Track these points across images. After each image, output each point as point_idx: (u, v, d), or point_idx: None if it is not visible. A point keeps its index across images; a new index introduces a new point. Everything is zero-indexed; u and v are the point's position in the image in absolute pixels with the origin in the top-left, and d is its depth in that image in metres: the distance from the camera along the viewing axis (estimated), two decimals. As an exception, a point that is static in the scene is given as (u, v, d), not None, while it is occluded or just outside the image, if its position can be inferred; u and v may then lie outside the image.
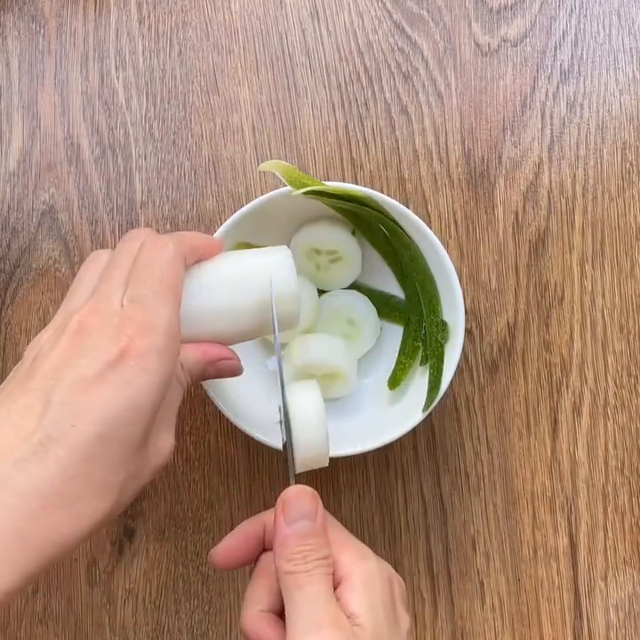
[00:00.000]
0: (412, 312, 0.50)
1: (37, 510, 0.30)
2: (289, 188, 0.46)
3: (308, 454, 0.40)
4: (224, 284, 0.40)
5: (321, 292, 0.51)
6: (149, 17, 0.56)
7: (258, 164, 0.55)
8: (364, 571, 0.36)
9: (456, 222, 0.54)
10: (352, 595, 0.35)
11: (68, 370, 0.32)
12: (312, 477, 0.53)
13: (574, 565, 0.52)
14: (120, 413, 0.32)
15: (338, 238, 0.49)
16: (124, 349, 0.33)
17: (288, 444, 0.40)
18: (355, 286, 0.52)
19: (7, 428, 0.31)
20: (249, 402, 0.49)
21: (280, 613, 0.37)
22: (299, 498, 0.37)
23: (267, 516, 0.40)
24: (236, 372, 0.42)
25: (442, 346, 0.47)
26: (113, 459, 0.32)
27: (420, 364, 0.49)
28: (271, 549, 0.38)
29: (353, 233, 0.50)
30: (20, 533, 0.30)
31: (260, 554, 0.40)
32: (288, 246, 0.50)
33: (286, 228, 0.50)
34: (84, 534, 0.32)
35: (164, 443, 0.36)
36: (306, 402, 0.40)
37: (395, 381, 0.50)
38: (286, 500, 0.37)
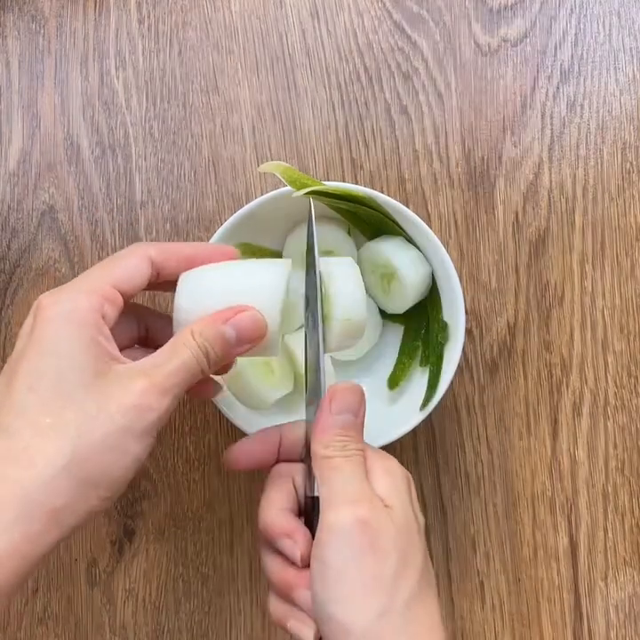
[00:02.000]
0: (412, 312, 0.50)
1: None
2: (289, 188, 0.45)
3: (347, 321, 0.41)
4: (213, 296, 0.39)
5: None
6: (149, 17, 0.56)
7: (258, 164, 0.55)
8: (387, 464, 0.38)
9: (456, 222, 0.54)
10: (379, 482, 0.37)
11: None
12: (312, 477, 0.53)
13: (574, 566, 0.52)
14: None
15: (333, 238, 0.49)
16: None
17: (318, 323, 0.40)
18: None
19: None
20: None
21: (297, 515, 0.39)
22: (348, 391, 0.38)
23: (285, 427, 0.41)
24: (258, 324, 0.38)
25: (442, 346, 0.47)
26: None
27: (420, 365, 0.49)
28: (286, 460, 0.40)
29: (348, 232, 0.50)
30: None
31: (275, 463, 0.41)
32: (285, 246, 0.50)
33: (284, 228, 0.50)
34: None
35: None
36: (345, 273, 0.43)
37: (394, 381, 0.50)
38: (336, 391, 0.38)
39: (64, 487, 0.32)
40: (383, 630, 0.33)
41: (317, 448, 0.37)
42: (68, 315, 0.34)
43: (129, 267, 0.37)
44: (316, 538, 0.36)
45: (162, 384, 0.34)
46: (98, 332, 0.34)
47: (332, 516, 0.35)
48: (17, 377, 0.34)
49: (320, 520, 0.36)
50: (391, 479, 0.37)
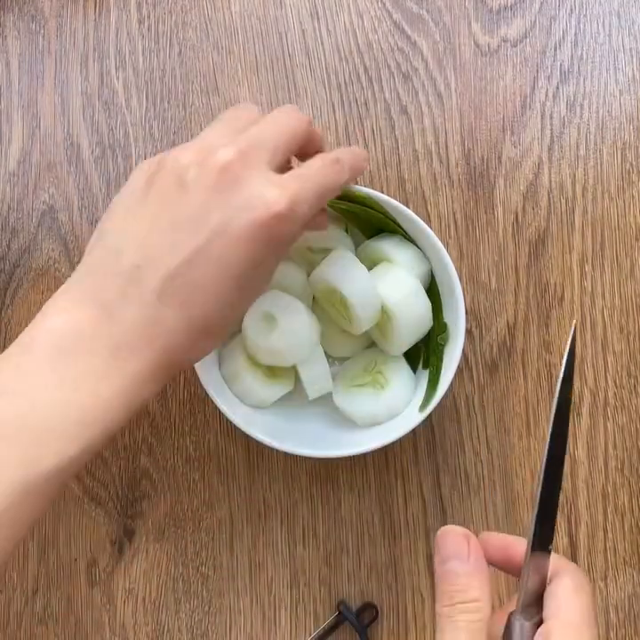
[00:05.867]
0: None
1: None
2: None
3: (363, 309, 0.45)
4: None
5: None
6: (149, 17, 0.56)
7: (258, 164, 0.55)
8: (579, 580, 0.33)
9: (456, 222, 0.54)
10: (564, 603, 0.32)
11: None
12: (312, 477, 0.53)
13: (574, 565, 0.52)
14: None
15: (331, 236, 0.49)
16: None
17: None
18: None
19: None
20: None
21: None
22: (446, 537, 0.34)
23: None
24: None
25: (442, 347, 0.47)
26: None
27: (422, 368, 0.49)
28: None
29: (345, 230, 0.50)
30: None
31: None
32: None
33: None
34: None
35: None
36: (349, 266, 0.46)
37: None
38: (437, 540, 0.34)
39: None
40: None
41: (438, 605, 0.33)
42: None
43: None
44: None
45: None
46: None
47: None
48: None
49: None
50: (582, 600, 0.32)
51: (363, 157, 0.43)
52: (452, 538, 0.34)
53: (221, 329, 0.38)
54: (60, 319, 0.35)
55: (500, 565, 0.36)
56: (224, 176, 0.35)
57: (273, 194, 0.35)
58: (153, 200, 0.36)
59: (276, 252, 0.38)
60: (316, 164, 0.38)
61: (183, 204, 0.35)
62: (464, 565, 0.33)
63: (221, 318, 0.37)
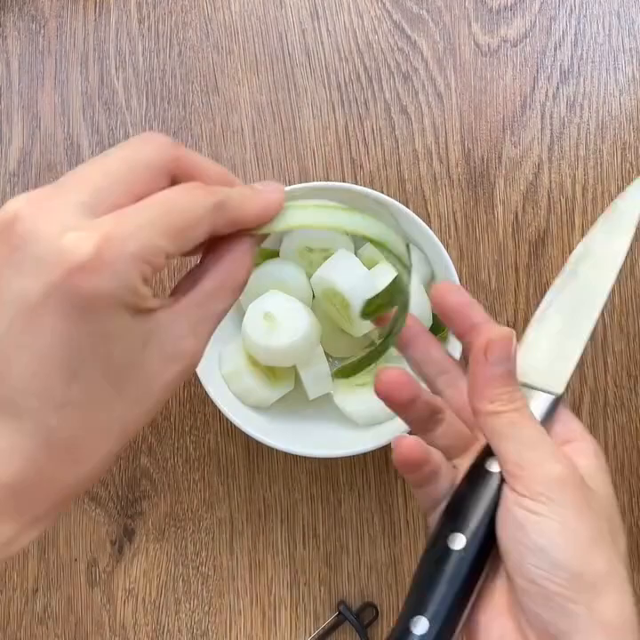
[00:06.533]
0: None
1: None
2: (289, 188, 0.45)
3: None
4: None
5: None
6: (149, 17, 0.56)
7: (258, 164, 0.55)
8: (592, 447, 0.33)
9: (456, 222, 0.54)
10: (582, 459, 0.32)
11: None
12: (312, 477, 0.53)
13: None
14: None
15: (330, 235, 0.49)
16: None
17: None
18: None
19: None
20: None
21: None
22: (504, 341, 0.34)
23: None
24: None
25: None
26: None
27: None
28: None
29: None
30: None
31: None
32: (281, 245, 0.50)
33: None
34: (90, 475, 0.27)
35: (179, 347, 0.27)
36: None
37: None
38: (492, 342, 0.33)
39: None
40: (612, 577, 0.30)
41: (482, 405, 0.33)
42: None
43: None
44: (516, 500, 0.31)
45: None
46: None
47: (539, 470, 0.31)
48: None
49: (522, 477, 0.31)
50: (598, 461, 0.33)
51: (262, 197, 0.30)
52: (507, 342, 0.33)
53: (87, 445, 0.26)
54: None
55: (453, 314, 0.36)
56: (11, 232, 0.25)
57: (69, 240, 0.24)
58: None
59: (114, 316, 0.25)
60: (160, 192, 0.27)
61: None
62: (514, 369, 0.33)
63: (71, 429, 0.26)
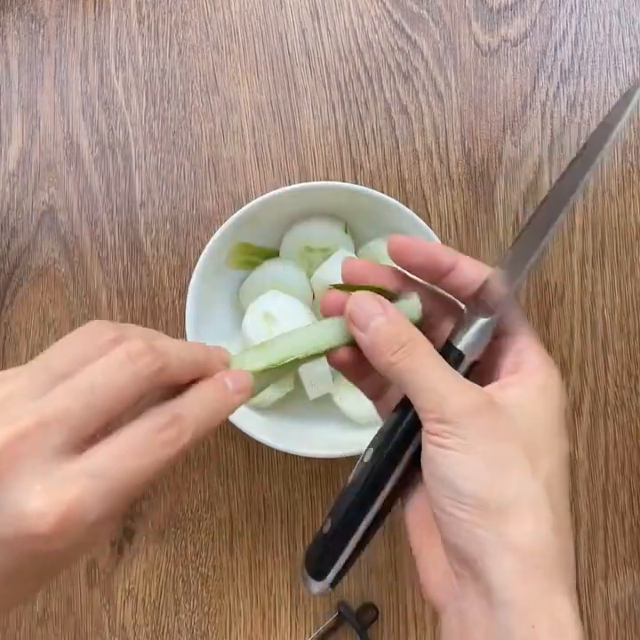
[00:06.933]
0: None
1: None
2: (290, 188, 0.45)
3: None
4: None
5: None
6: (149, 17, 0.56)
7: (258, 164, 0.55)
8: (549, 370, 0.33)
9: (456, 222, 0.54)
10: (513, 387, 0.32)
11: None
12: (312, 477, 0.53)
13: (574, 565, 0.52)
14: None
15: (330, 235, 0.49)
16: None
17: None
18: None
19: None
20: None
21: None
22: (357, 304, 0.34)
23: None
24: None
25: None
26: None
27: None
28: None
29: (345, 230, 0.50)
30: None
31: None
32: (281, 244, 0.50)
33: (283, 228, 0.50)
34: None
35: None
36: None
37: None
38: (350, 312, 0.34)
39: None
40: (524, 503, 0.30)
41: (380, 363, 0.33)
42: None
43: None
44: (427, 438, 0.32)
45: None
46: None
47: (440, 408, 0.31)
48: None
49: (429, 418, 0.31)
50: (537, 391, 0.32)
51: (222, 402, 0.32)
52: (360, 302, 0.34)
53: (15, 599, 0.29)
54: None
55: (424, 269, 0.35)
56: None
57: (35, 506, 0.25)
58: None
59: (45, 565, 0.27)
60: (127, 438, 0.27)
61: None
62: (388, 316, 0.33)
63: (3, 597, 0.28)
